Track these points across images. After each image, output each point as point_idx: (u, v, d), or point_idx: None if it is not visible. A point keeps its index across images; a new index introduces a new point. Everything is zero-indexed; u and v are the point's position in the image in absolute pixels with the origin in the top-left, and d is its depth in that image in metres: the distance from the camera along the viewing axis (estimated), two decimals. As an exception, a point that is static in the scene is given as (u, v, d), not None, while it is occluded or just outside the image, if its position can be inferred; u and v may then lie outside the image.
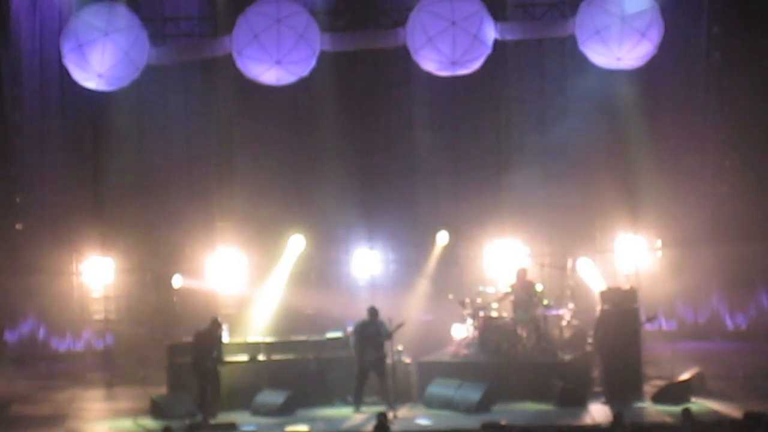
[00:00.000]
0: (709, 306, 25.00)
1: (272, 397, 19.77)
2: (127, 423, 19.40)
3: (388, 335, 19.62)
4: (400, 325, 19.74)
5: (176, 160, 25.22)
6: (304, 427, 17.96)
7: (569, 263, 21.99)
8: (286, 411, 19.49)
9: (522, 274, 21.41)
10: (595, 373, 20.44)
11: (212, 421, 18.96)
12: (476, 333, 21.09)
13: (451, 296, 21.93)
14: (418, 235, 24.35)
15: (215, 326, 19.61)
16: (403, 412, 19.19)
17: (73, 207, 25.29)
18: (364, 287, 24.31)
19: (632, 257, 23.83)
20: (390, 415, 18.02)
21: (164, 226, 24.83)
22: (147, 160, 25.14)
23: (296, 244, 23.15)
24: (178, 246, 24.61)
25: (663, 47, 22.04)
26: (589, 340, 20.63)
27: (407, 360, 20.63)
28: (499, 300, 21.34)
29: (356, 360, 19.72)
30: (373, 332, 19.68)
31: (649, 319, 20.30)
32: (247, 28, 22.19)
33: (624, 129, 24.01)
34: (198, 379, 19.32)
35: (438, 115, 25.11)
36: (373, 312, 19.85)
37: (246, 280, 23.71)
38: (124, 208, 24.94)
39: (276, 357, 20.66)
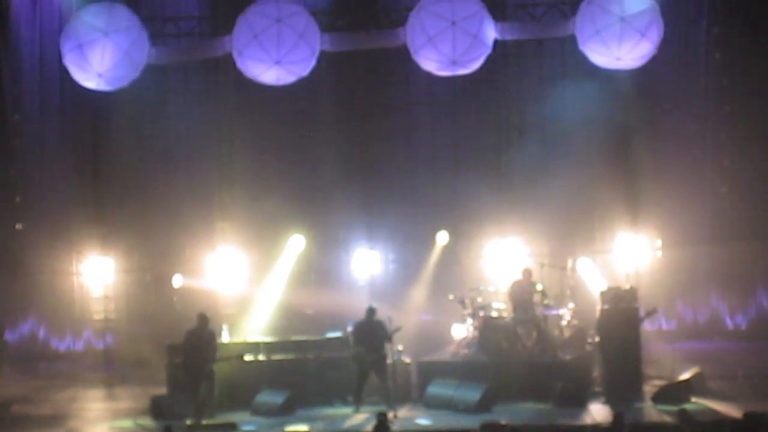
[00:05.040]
0: (709, 306, 24.99)
1: (272, 397, 19.78)
2: (127, 423, 19.40)
3: (387, 337, 19.61)
4: (397, 330, 19.73)
5: (176, 160, 25.23)
6: (304, 427, 17.96)
7: (569, 263, 22.01)
8: (286, 411, 19.50)
9: (527, 273, 21.40)
10: (595, 373, 20.44)
11: (210, 421, 18.91)
12: (476, 333, 21.10)
13: (451, 296, 21.93)
14: (418, 235, 24.35)
15: (204, 322, 19.37)
16: (403, 411, 19.19)
17: (73, 207, 25.31)
18: (364, 287, 24.33)
19: (632, 257, 23.82)
20: (390, 414, 18.02)
21: (164, 226, 24.84)
22: (147, 160, 25.17)
23: (296, 244, 23.17)
24: (178, 246, 24.63)
25: (663, 47, 22.03)
26: (590, 340, 20.63)
27: (407, 360, 20.63)
28: (506, 300, 21.37)
29: (356, 360, 19.71)
30: (372, 332, 19.67)
31: (648, 314, 20.26)
32: (247, 28, 22.20)
33: (624, 129, 24.01)
34: (191, 378, 19.20)
35: (438, 115, 25.14)
36: (371, 312, 19.85)
37: (246, 280, 23.73)
38: (124, 208, 24.97)
39: (276, 357, 20.67)
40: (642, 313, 20.02)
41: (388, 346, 19.64)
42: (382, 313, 19.92)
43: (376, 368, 19.60)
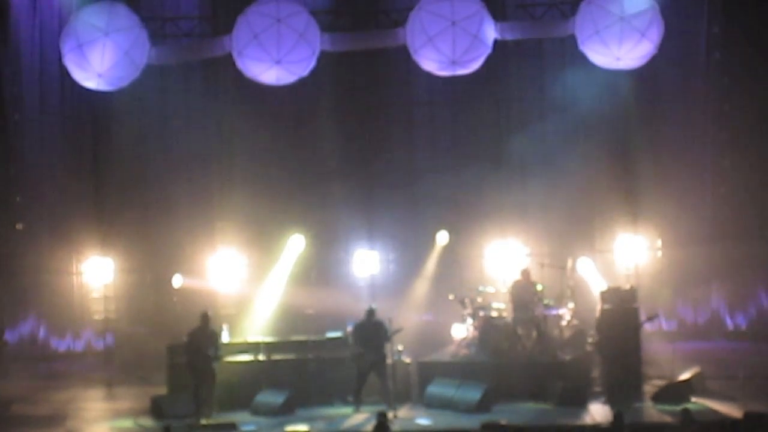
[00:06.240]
0: (709, 306, 24.99)
1: (272, 396, 19.77)
2: (127, 423, 19.40)
3: (387, 338, 19.61)
4: (397, 331, 19.75)
5: (176, 160, 25.22)
6: (303, 427, 17.96)
7: (569, 263, 21.99)
8: (286, 411, 19.50)
9: (526, 274, 21.38)
10: (595, 373, 20.43)
11: (211, 421, 18.92)
12: (476, 333, 21.09)
13: (451, 296, 21.92)
14: (418, 235, 24.35)
15: (206, 320, 19.51)
16: (403, 411, 19.19)
17: (73, 207, 25.30)
18: (364, 287, 24.33)
19: (632, 257, 23.83)
20: (390, 414, 18.02)
21: (164, 226, 24.82)
22: (147, 160, 25.17)
23: (296, 244, 23.17)
24: (178, 246, 24.60)
25: (663, 47, 22.02)
26: (590, 340, 20.63)
27: (407, 360, 20.63)
28: (506, 300, 21.36)
29: (355, 361, 19.71)
30: (371, 333, 19.67)
31: (650, 319, 20.29)
32: (247, 27, 22.19)
33: (624, 129, 24.02)
34: (194, 377, 19.26)
35: (438, 114, 25.15)
36: (371, 312, 19.84)
37: (246, 280, 23.73)
38: (124, 208, 24.96)
39: (276, 357, 20.67)
40: (643, 317, 20.01)
41: (387, 347, 19.64)
42: (383, 314, 19.92)
43: (376, 369, 19.59)
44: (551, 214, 23.67)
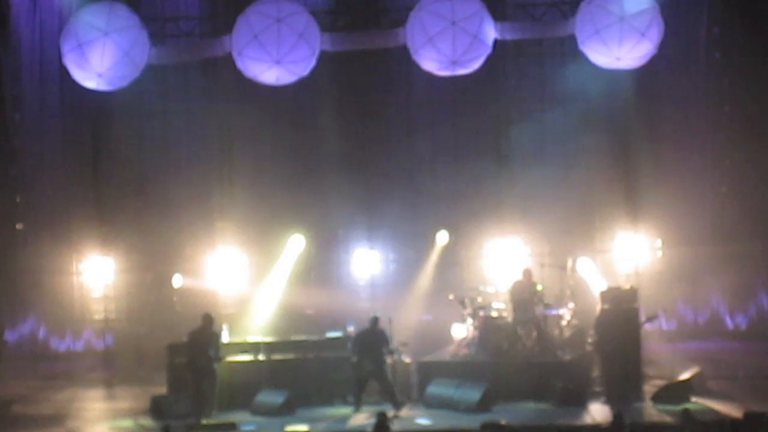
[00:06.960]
0: (709, 306, 25.01)
1: (272, 396, 19.77)
2: (127, 423, 19.40)
3: (389, 350, 19.59)
4: (402, 345, 19.76)
5: (176, 160, 25.23)
6: (304, 427, 17.94)
7: (569, 263, 21.99)
8: (286, 410, 19.49)
9: (528, 273, 21.37)
10: (595, 373, 20.43)
11: (211, 421, 18.91)
12: (476, 333, 21.08)
13: (451, 296, 21.92)
14: (418, 235, 24.35)
15: (208, 322, 19.52)
16: (403, 411, 19.17)
17: (73, 207, 25.32)
18: (364, 287, 24.34)
19: (632, 257, 23.83)
20: (390, 413, 18.00)
21: (164, 226, 24.83)
22: (147, 160, 25.18)
23: (296, 244, 23.17)
24: (178, 246, 24.63)
25: (663, 47, 22.04)
26: (590, 340, 20.63)
27: (407, 360, 20.62)
28: (506, 300, 21.36)
29: (354, 369, 19.67)
30: (373, 342, 19.62)
31: (649, 319, 20.29)
32: (247, 27, 22.20)
33: (624, 129, 24.03)
34: (194, 378, 19.27)
35: (438, 114, 25.15)
36: (374, 321, 19.79)
37: (246, 280, 23.73)
38: (124, 208, 24.98)
39: (276, 357, 20.67)
40: (643, 317, 20.02)
41: (388, 358, 19.61)
42: (383, 314, 19.91)
43: (376, 377, 19.56)
44: (551, 213, 23.64)
